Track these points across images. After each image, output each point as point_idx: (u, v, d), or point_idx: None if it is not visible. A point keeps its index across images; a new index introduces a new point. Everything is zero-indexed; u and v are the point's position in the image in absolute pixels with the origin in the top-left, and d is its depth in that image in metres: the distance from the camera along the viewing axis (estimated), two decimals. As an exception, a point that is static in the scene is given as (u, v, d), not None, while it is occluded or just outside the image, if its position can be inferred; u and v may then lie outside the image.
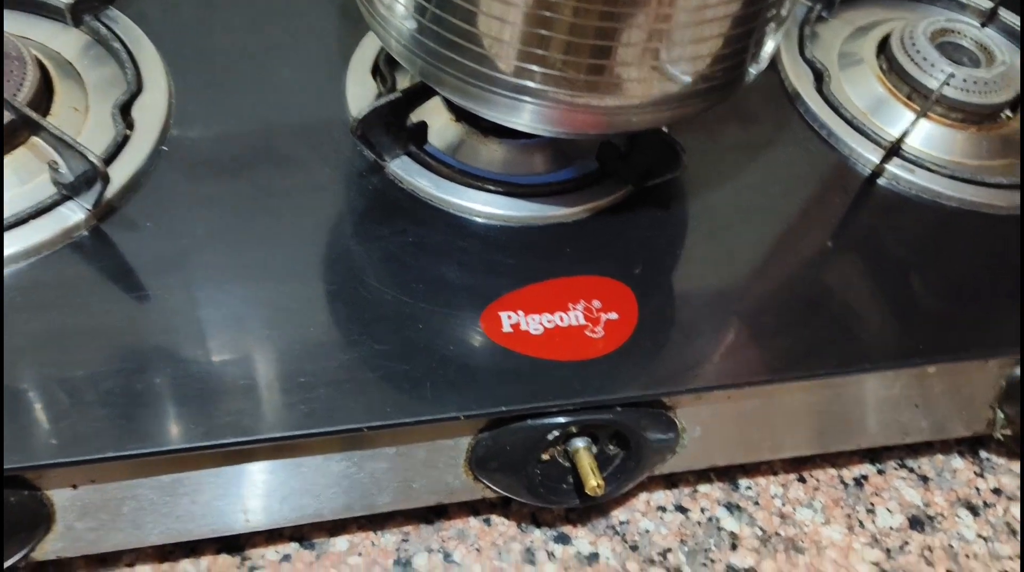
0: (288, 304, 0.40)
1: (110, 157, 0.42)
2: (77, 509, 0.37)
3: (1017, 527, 0.49)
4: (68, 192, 0.40)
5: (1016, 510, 0.49)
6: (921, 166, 0.50)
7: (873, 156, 0.50)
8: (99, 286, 0.39)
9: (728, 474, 0.49)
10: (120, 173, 0.42)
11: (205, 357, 0.37)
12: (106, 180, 0.40)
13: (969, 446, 0.52)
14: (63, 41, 0.48)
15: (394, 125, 0.45)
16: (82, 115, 0.45)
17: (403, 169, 0.45)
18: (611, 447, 0.42)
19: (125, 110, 0.45)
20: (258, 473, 0.38)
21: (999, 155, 0.53)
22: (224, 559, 0.43)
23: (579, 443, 0.41)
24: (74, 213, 0.40)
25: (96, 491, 0.36)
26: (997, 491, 0.50)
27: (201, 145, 0.45)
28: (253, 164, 0.45)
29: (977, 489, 0.50)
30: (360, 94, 0.49)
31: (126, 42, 0.48)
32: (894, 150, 0.49)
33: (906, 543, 0.47)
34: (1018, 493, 0.50)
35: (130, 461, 0.34)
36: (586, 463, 0.40)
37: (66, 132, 0.40)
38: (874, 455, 0.51)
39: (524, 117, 0.39)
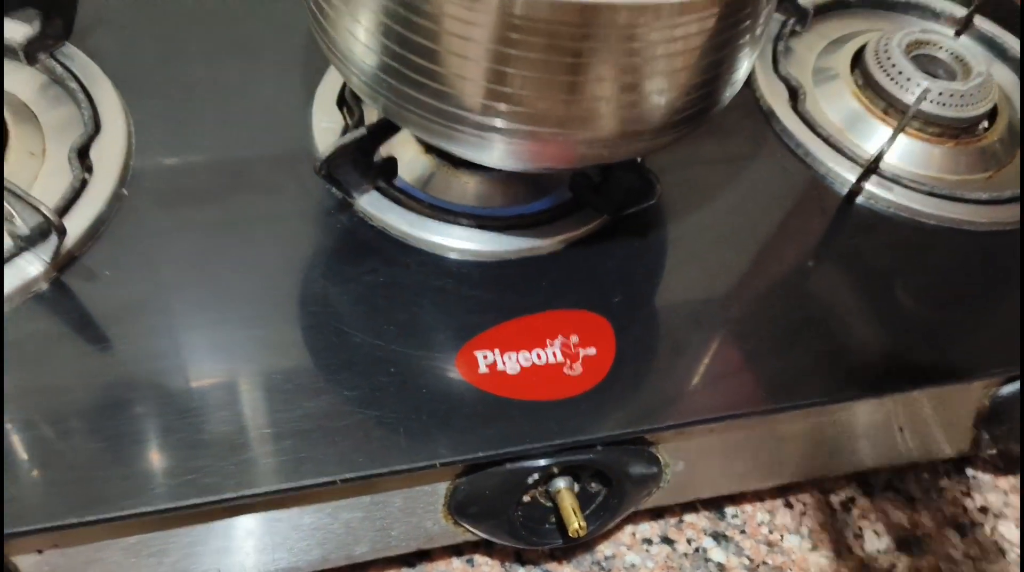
0: (251, 352, 0.39)
1: (67, 205, 0.41)
2: (42, 574, 0.36)
3: (1004, 545, 0.48)
4: (25, 244, 0.39)
5: (1004, 528, 0.49)
6: (899, 183, 0.49)
7: (850, 175, 0.50)
8: (61, 341, 0.38)
9: (714, 502, 0.48)
10: (78, 221, 0.41)
11: (166, 411, 0.36)
12: (62, 233, 0.38)
13: (954, 464, 0.52)
14: (18, 80, 0.46)
15: (361, 161, 0.44)
16: (39, 159, 0.43)
17: (372, 205, 0.44)
18: (593, 485, 0.41)
19: (83, 153, 0.43)
20: (226, 530, 0.37)
21: (977, 169, 0.52)
22: (199, 613, 0.42)
23: (560, 483, 0.40)
24: (33, 265, 0.39)
25: (61, 555, 0.35)
26: (984, 509, 0.50)
27: (161, 185, 0.44)
28: (214, 205, 0.44)
29: (964, 508, 0.50)
30: (326, 126, 0.47)
31: (82, 80, 0.46)
32: (871, 169, 0.48)
33: (894, 565, 0.47)
34: (1004, 510, 0.50)
35: (92, 527, 0.33)
36: (568, 504, 0.39)
37: (19, 182, 0.39)
38: (860, 476, 0.50)
39: (494, 154, 0.38)
